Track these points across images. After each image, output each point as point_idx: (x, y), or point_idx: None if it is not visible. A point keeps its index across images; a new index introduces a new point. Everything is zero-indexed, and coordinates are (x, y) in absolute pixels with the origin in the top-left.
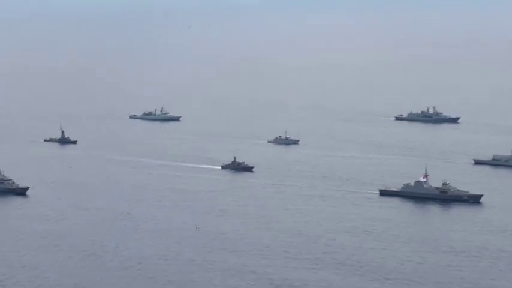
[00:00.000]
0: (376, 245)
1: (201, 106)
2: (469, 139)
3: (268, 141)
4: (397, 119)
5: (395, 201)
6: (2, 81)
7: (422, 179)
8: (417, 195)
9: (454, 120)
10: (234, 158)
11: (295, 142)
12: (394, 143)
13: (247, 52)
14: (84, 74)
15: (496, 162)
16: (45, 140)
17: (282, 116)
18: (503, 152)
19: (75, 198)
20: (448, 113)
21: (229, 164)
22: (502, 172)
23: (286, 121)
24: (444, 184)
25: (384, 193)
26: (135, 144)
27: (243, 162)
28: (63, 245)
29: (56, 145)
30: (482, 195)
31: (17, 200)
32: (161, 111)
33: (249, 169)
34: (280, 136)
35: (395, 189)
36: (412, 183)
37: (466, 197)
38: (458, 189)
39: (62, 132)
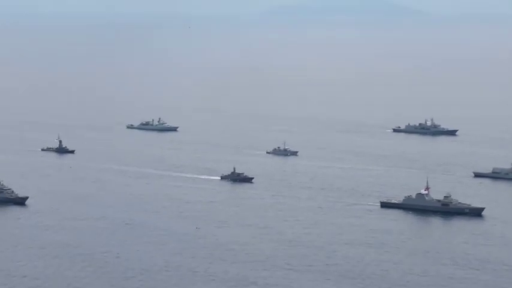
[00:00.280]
0: (378, 257)
1: (198, 116)
2: (467, 152)
3: (267, 152)
4: (395, 130)
5: (396, 214)
6: None
7: (423, 192)
8: (418, 207)
9: (452, 133)
10: (234, 168)
11: (294, 153)
12: (392, 155)
13: (245, 64)
14: (80, 83)
15: (496, 175)
16: (42, 150)
17: (279, 127)
18: (503, 165)
19: (75, 208)
20: (445, 125)
21: (228, 175)
22: (502, 185)
23: (283, 132)
24: (446, 197)
25: (385, 205)
26: (133, 154)
27: (243, 173)
28: (64, 255)
29: (54, 154)
30: (484, 208)
31: (16, 210)
32: (158, 121)
33: (248, 180)
34: (279, 147)
35: (396, 201)
36: (414, 195)
37: (467, 210)
38: (460, 202)
39: (60, 141)
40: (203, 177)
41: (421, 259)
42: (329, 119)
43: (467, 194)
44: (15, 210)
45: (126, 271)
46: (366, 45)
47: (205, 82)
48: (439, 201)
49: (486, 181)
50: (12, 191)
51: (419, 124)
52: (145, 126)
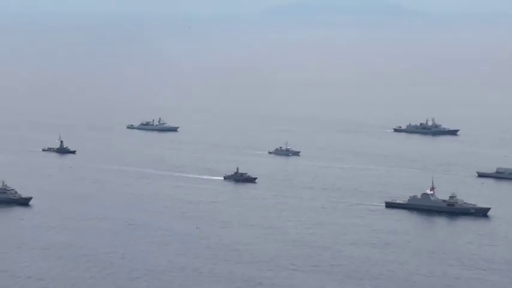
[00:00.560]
0: (384, 257)
1: (198, 117)
2: (469, 152)
3: (269, 152)
4: (396, 130)
5: (402, 214)
6: None
7: (429, 192)
8: (424, 207)
9: (453, 133)
10: (237, 169)
11: (296, 153)
12: (393, 155)
13: (245, 64)
14: (80, 83)
15: (500, 175)
16: (43, 150)
17: (280, 127)
18: (506, 164)
19: (78, 209)
20: (446, 125)
21: (231, 175)
22: (506, 185)
23: (284, 132)
24: (451, 197)
25: (390, 205)
26: (135, 154)
27: (246, 173)
28: (68, 255)
29: (55, 155)
30: (490, 208)
31: (20, 210)
32: (159, 122)
33: (251, 180)
34: (280, 147)
35: (401, 202)
36: (419, 195)
37: (473, 210)
38: (465, 202)
39: (61, 142)
40: (205, 177)
41: (428, 259)
42: (329, 119)
43: (472, 194)
44: (19, 210)
45: (131, 272)
46: (366, 45)
47: (205, 82)
48: (444, 201)
49: (490, 181)
50: (16, 192)
51: (420, 124)
52: (146, 127)
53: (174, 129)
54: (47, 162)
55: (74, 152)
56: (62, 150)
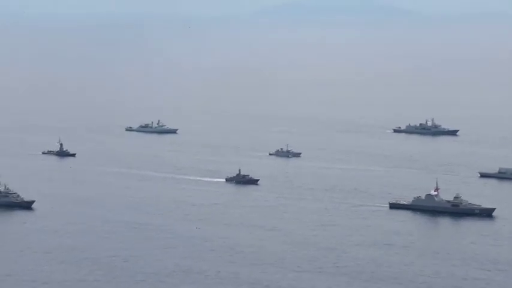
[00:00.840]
0: (390, 258)
1: (197, 118)
2: (470, 152)
3: (270, 154)
4: (395, 131)
5: (406, 215)
6: None
7: (433, 192)
8: (428, 208)
9: (453, 133)
10: (239, 170)
11: (297, 155)
12: (395, 156)
13: (240, 64)
14: (79, 84)
15: (502, 175)
16: (43, 153)
17: (279, 128)
18: (508, 165)
19: (81, 212)
20: (446, 125)
21: (234, 177)
22: (509, 185)
23: (284, 133)
24: (456, 197)
25: (394, 206)
26: (135, 157)
27: (248, 175)
28: (73, 259)
29: (55, 158)
30: (494, 208)
31: (23, 214)
32: (158, 124)
33: (254, 182)
34: (281, 149)
35: (405, 202)
36: (423, 196)
37: (478, 211)
38: (470, 203)
39: (61, 145)
40: (207, 179)
41: (433, 260)
42: (329, 120)
43: (475, 195)
44: (22, 214)
45: (135, 275)
46: (364, 45)
47: (204, 83)
48: (449, 202)
49: (492, 181)
50: (18, 195)
51: (420, 124)
52: (145, 129)
53: (173, 131)
54: (47, 165)
55: (73, 155)
56: (62, 153)
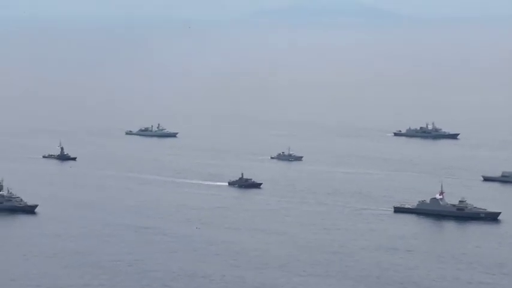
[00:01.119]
0: (396, 262)
1: (196, 122)
2: (471, 155)
3: (271, 158)
4: (396, 134)
5: (411, 219)
6: None
7: (438, 196)
8: (433, 212)
9: (454, 136)
10: (242, 174)
11: (299, 158)
12: (396, 159)
13: (241, 67)
14: (78, 88)
15: (506, 179)
16: (44, 157)
17: (279, 131)
18: (511, 168)
19: (84, 216)
20: (447, 129)
21: (236, 181)
22: None
23: (284, 137)
24: (461, 201)
25: (398, 210)
26: (136, 160)
27: (251, 179)
28: (78, 263)
29: (56, 162)
30: (500, 212)
31: (27, 218)
32: (158, 127)
33: (256, 186)
34: (283, 152)
35: (410, 206)
36: (428, 200)
37: (483, 215)
38: (475, 207)
39: (61, 148)
40: (209, 183)
41: (439, 264)
42: (329, 123)
43: (478, 198)
44: (25, 218)
45: (140, 279)
46: (364, 49)
47: (204, 87)
48: (454, 205)
49: (496, 185)
50: (21, 199)
51: (420, 128)
52: (145, 132)
53: (173, 135)
54: (48, 169)
55: (74, 159)
56: (63, 157)
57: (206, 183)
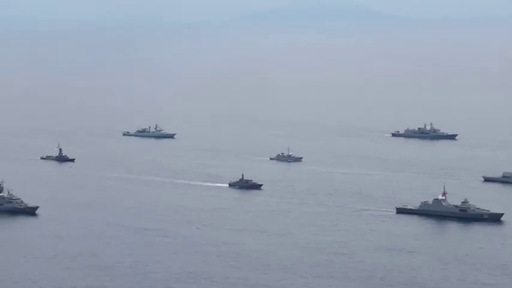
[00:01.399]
0: (399, 263)
1: (194, 123)
2: (470, 156)
3: (270, 158)
4: (394, 135)
5: (413, 220)
6: None
7: (441, 197)
8: (436, 213)
9: (452, 137)
10: (242, 175)
11: (298, 159)
12: (395, 160)
13: (237, 68)
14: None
15: (507, 180)
16: (42, 158)
17: (278, 132)
18: (511, 168)
19: (84, 217)
20: (445, 129)
21: (237, 182)
22: None
23: (283, 138)
24: (464, 202)
25: (401, 211)
26: (135, 161)
27: (251, 180)
28: (79, 264)
29: (54, 163)
30: (503, 213)
31: (28, 220)
32: (155, 128)
33: (257, 187)
34: (282, 153)
35: (412, 207)
36: (430, 201)
37: (486, 216)
38: (478, 208)
39: (60, 150)
40: (209, 184)
41: (442, 265)
42: (327, 124)
43: (480, 199)
44: (26, 220)
45: (143, 281)
46: (362, 50)
47: (201, 88)
48: (456, 206)
49: (497, 186)
50: (22, 201)
51: (419, 128)
52: (142, 134)
53: (170, 136)
54: (47, 170)
55: (73, 160)
56: (61, 158)
57: (206, 184)
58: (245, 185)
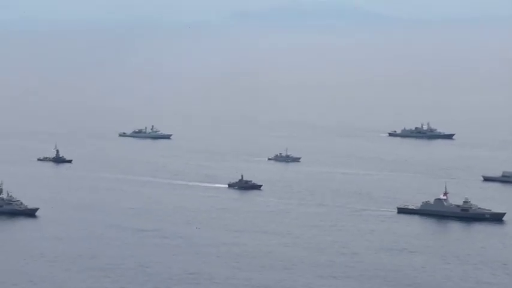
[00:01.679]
0: (401, 263)
1: (190, 124)
2: (467, 155)
3: (268, 159)
4: (390, 135)
5: (415, 219)
6: None
7: (442, 197)
8: (437, 213)
9: (449, 137)
10: (242, 176)
11: (296, 160)
12: (394, 160)
13: (235, 69)
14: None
15: (506, 179)
16: (39, 159)
17: (275, 133)
18: (509, 168)
19: (84, 219)
20: (442, 129)
21: (236, 182)
22: None
23: (280, 138)
24: (465, 202)
25: (402, 211)
26: (132, 163)
27: (251, 181)
28: (80, 266)
29: (51, 164)
30: (505, 213)
31: (28, 222)
32: (151, 129)
33: (257, 187)
34: (280, 153)
35: (414, 207)
36: (431, 200)
37: (488, 215)
38: (479, 207)
39: (57, 151)
40: (208, 185)
41: (444, 265)
42: (324, 124)
43: (480, 198)
44: (26, 222)
45: (145, 283)
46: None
47: (198, 88)
48: (458, 206)
49: (496, 185)
50: (21, 203)
51: (415, 128)
52: (138, 134)
53: (167, 137)
54: (44, 172)
55: (70, 161)
56: (58, 160)
57: (205, 185)
58: (245, 186)
